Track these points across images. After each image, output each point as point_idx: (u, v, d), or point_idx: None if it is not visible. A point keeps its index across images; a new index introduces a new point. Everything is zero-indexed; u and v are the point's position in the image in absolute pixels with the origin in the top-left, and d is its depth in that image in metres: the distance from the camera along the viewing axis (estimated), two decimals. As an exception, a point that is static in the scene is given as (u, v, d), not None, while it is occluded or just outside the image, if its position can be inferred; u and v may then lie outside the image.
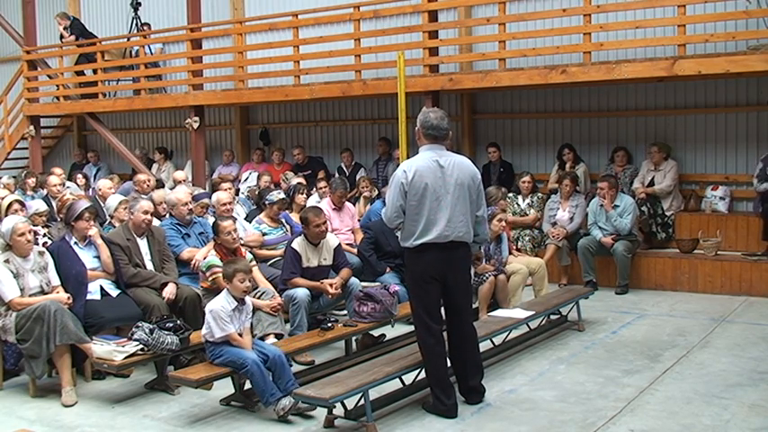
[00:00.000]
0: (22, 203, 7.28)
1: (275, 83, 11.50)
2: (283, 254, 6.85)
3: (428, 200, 4.84)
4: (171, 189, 8.91)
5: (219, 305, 5.11)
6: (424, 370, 5.10)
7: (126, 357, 5.35)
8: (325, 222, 6.56)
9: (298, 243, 6.51)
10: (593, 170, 10.07)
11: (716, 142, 9.59)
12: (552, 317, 7.06)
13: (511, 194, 9.35)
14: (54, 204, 8.71)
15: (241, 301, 5.21)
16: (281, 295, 6.28)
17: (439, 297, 5.04)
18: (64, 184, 9.91)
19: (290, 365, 6.02)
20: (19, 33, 14.44)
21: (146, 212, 6.47)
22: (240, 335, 5.13)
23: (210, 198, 7.84)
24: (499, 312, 6.66)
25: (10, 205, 7.11)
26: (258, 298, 6.17)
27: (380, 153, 11.51)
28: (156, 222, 7.06)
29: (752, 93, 9.34)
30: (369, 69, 10.41)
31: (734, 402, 5.10)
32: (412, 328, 6.07)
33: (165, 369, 5.62)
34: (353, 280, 6.63)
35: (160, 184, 10.13)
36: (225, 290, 5.25)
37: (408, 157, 8.70)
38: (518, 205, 9.40)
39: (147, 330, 5.42)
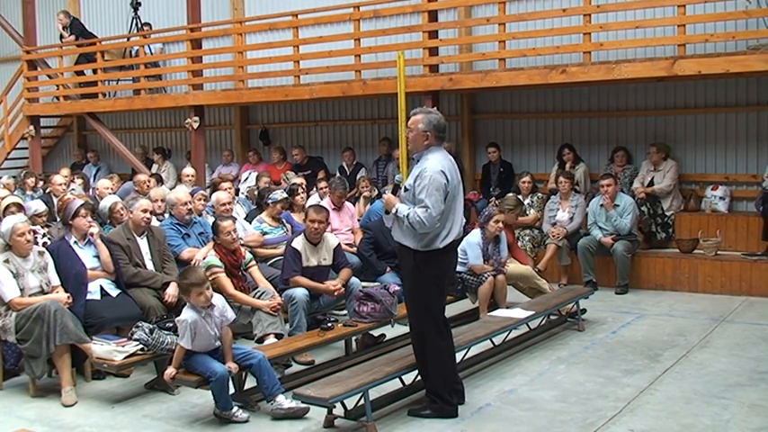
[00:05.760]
0: (19, 206, 7.26)
1: (275, 83, 11.50)
2: (283, 253, 6.86)
3: (457, 199, 4.93)
4: (171, 188, 8.93)
5: (186, 316, 5.02)
6: (425, 374, 5.05)
7: (126, 357, 5.35)
8: (322, 222, 6.49)
9: (298, 242, 6.51)
10: (593, 170, 10.06)
11: (716, 142, 9.59)
12: (552, 317, 7.08)
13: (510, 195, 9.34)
14: (56, 203, 8.74)
15: (209, 306, 5.10)
16: (280, 295, 6.28)
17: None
18: (68, 185, 9.97)
19: (290, 365, 6.07)
20: (19, 33, 14.45)
21: (144, 211, 6.49)
22: (219, 337, 5.11)
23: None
24: (499, 312, 6.66)
25: (7, 207, 7.09)
26: (258, 298, 6.18)
27: (382, 153, 11.50)
28: (154, 221, 7.06)
29: (752, 93, 9.34)
30: (369, 69, 10.41)
31: (734, 402, 5.10)
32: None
33: (165, 369, 5.61)
34: (353, 280, 6.63)
35: (159, 180, 10.19)
36: (187, 303, 5.14)
37: (408, 158, 8.76)
38: (518, 205, 9.39)
39: (146, 330, 5.42)
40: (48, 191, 9.88)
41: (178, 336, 5.33)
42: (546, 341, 6.68)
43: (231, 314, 5.26)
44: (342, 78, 10.61)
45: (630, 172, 9.65)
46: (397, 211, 4.89)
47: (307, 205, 8.21)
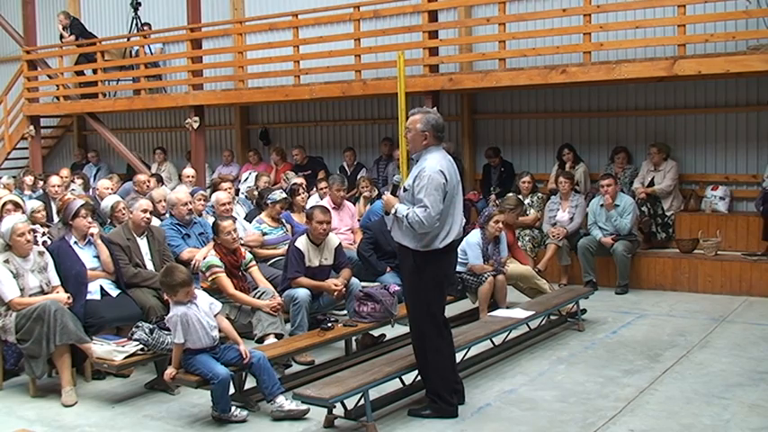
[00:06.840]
0: (16, 204, 7.25)
1: (275, 83, 11.50)
2: (284, 253, 6.85)
3: (456, 199, 4.93)
4: (172, 189, 8.91)
5: (173, 312, 5.02)
6: (425, 374, 5.06)
7: (126, 357, 5.35)
8: (329, 224, 6.52)
9: (301, 242, 6.50)
10: (593, 170, 10.06)
11: (716, 142, 9.59)
12: (552, 317, 7.08)
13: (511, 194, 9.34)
14: (53, 204, 8.75)
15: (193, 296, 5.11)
16: (281, 295, 6.28)
17: None
18: (68, 186, 9.94)
19: (290, 365, 6.07)
20: (19, 33, 14.46)
21: (144, 211, 6.50)
22: (218, 327, 5.12)
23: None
24: (499, 312, 6.66)
25: (3, 206, 7.09)
26: (258, 298, 6.17)
27: (384, 153, 11.50)
28: (155, 221, 7.07)
29: (752, 93, 9.34)
30: (369, 69, 10.42)
31: (734, 402, 5.10)
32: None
33: (165, 369, 5.61)
34: (353, 280, 6.63)
35: (159, 180, 10.16)
36: (172, 301, 5.13)
37: (408, 159, 8.76)
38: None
39: (147, 330, 5.42)
40: (47, 191, 9.85)
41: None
42: (546, 341, 6.68)
43: (217, 302, 5.27)
44: (342, 78, 10.61)
45: (631, 172, 9.65)
46: (396, 211, 4.89)
47: (307, 206, 8.21)
